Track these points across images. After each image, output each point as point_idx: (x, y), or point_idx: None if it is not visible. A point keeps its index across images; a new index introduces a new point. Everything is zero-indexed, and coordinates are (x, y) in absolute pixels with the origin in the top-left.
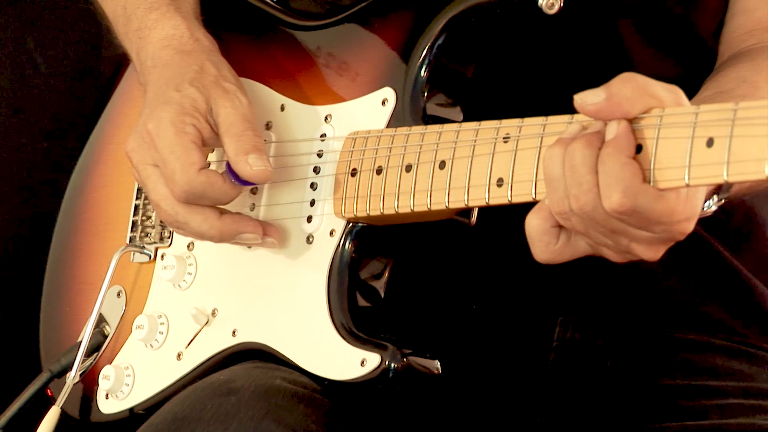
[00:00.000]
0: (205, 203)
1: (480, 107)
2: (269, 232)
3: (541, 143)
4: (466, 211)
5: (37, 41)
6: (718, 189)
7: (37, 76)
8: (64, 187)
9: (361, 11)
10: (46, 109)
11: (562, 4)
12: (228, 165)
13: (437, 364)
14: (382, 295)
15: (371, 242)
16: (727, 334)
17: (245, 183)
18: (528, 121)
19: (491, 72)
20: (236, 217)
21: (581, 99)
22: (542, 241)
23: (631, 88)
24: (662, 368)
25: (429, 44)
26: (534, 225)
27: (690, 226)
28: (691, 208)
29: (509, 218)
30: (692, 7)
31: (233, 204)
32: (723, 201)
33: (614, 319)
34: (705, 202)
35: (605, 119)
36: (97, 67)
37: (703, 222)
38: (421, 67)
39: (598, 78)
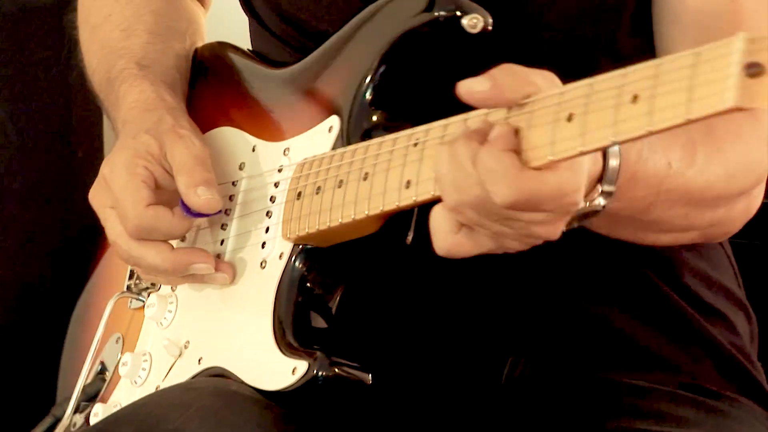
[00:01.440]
0: (158, 237)
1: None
2: (221, 268)
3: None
4: (404, 228)
5: (7, 111)
6: (600, 178)
7: (9, 144)
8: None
9: (319, 52)
10: (18, 175)
11: (486, 25)
12: (181, 200)
13: (369, 376)
14: (326, 314)
15: (317, 262)
16: (674, 373)
17: (197, 215)
18: (434, 124)
19: (433, 90)
20: (188, 249)
21: (468, 87)
22: (442, 230)
23: (513, 77)
24: (609, 411)
25: (370, 75)
26: (435, 215)
27: (577, 197)
28: (573, 179)
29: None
30: (607, 32)
31: (205, 238)
32: (610, 196)
33: (564, 360)
34: (592, 194)
35: (490, 107)
36: (68, 136)
37: (654, 266)
38: (364, 96)
39: None
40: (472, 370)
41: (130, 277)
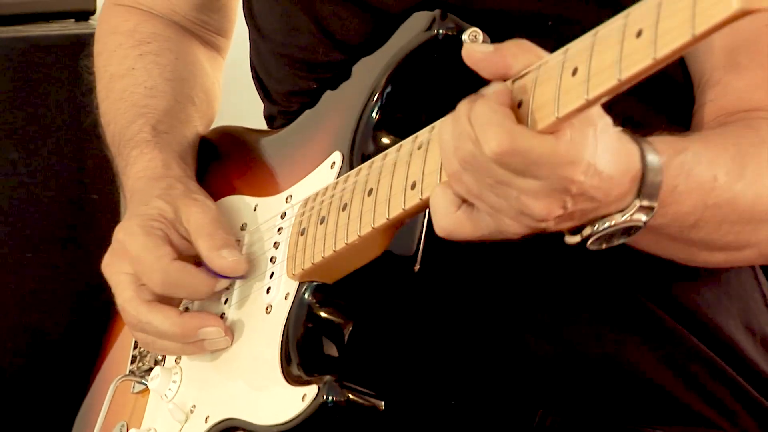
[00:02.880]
0: (182, 294)
1: None
2: (227, 333)
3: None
4: (411, 258)
5: (20, 152)
6: (640, 189)
7: (21, 186)
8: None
9: (316, 106)
10: (30, 219)
11: (486, 40)
12: (204, 264)
13: (381, 403)
14: (335, 350)
15: (324, 298)
16: (706, 427)
17: (221, 277)
18: (438, 122)
19: (441, 109)
20: (197, 313)
21: (470, 46)
22: (443, 207)
23: (518, 45)
24: None
25: (375, 97)
26: (437, 193)
27: (575, 172)
28: (574, 151)
29: (455, 267)
30: None
31: (212, 301)
32: (651, 212)
33: (595, 412)
34: (628, 208)
35: (489, 71)
36: (82, 178)
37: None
38: (369, 118)
39: None
40: (501, 423)
41: (132, 361)
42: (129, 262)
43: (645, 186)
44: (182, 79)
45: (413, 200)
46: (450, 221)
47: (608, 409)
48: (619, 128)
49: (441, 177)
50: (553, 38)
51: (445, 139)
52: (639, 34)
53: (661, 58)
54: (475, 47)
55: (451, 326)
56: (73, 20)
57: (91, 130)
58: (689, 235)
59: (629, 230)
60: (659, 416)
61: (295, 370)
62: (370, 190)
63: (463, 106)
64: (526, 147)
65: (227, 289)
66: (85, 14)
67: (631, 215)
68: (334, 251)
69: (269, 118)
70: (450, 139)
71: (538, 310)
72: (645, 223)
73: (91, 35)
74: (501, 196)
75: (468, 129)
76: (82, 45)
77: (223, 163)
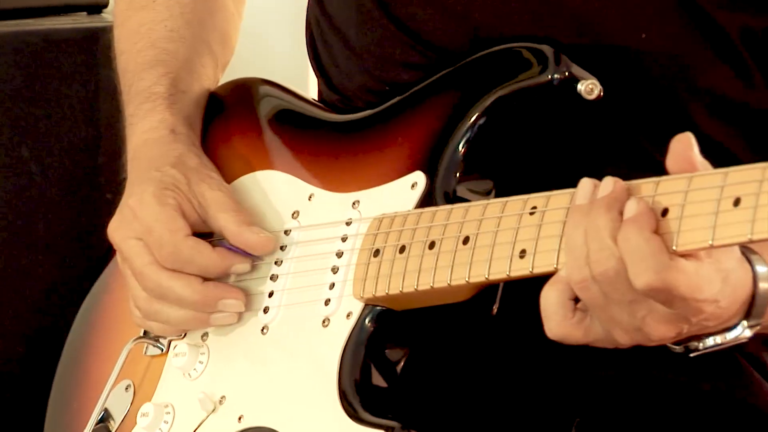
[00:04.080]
0: (192, 271)
1: (515, 190)
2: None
3: (567, 215)
4: (489, 299)
5: (32, 150)
6: (749, 312)
7: (32, 185)
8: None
9: (398, 101)
10: (42, 220)
11: (601, 93)
12: (220, 242)
13: None
14: (396, 381)
15: (388, 326)
16: None
17: (240, 253)
18: (556, 192)
19: (530, 154)
20: (219, 283)
21: (691, 142)
22: (558, 314)
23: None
24: None
25: (467, 127)
26: (551, 296)
27: (706, 306)
28: (710, 287)
29: (531, 312)
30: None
31: (250, 289)
32: (757, 327)
33: (632, 424)
34: (736, 326)
35: (680, 168)
36: (95, 177)
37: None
38: (457, 148)
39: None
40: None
41: None
42: (140, 230)
43: (755, 309)
44: (202, 22)
45: (522, 271)
46: (564, 329)
47: (645, 421)
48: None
49: (557, 260)
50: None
51: (578, 244)
52: None
53: None
54: (694, 145)
55: (512, 365)
56: (85, 13)
57: (105, 128)
58: None
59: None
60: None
61: (358, 407)
62: (467, 239)
63: (602, 218)
64: (674, 283)
65: (273, 280)
66: (97, 7)
67: (738, 336)
68: (416, 290)
69: (324, 102)
70: (583, 246)
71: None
72: (749, 338)
73: (104, 29)
74: (625, 312)
75: (613, 249)
76: (95, 39)
77: (260, 126)
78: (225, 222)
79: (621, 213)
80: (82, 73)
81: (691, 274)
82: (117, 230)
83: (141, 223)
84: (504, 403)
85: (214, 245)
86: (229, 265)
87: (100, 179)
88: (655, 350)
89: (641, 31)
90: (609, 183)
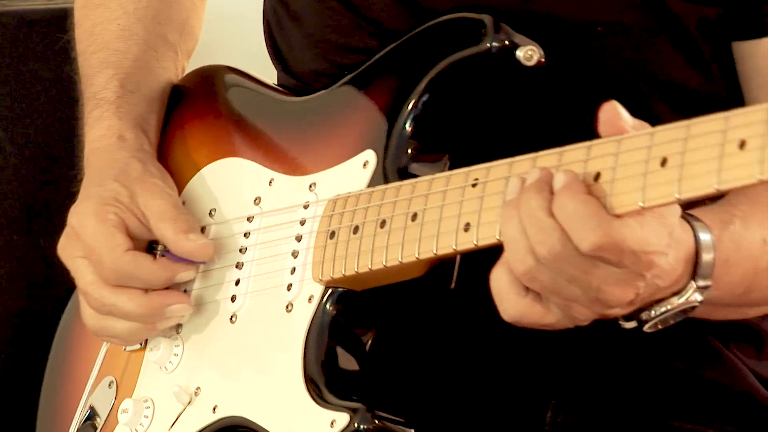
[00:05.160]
0: (134, 284)
1: (471, 164)
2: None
3: (507, 185)
4: (446, 274)
5: (6, 130)
6: (695, 271)
7: (7, 165)
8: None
9: (349, 81)
10: (17, 199)
11: (542, 59)
12: (166, 250)
13: (411, 431)
14: (360, 361)
15: (350, 307)
16: (723, 424)
17: (185, 261)
18: (495, 164)
19: (481, 125)
20: (162, 291)
21: (621, 109)
22: (511, 293)
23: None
24: None
25: (412, 103)
26: (501, 276)
27: (658, 259)
28: (657, 239)
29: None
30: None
31: (217, 279)
32: (707, 291)
33: (608, 405)
34: (686, 288)
35: (610, 132)
36: (70, 157)
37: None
38: (404, 127)
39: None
40: (514, 415)
41: None
42: (83, 249)
43: (700, 267)
44: (156, 15)
45: (467, 244)
46: (519, 309)
47: (621, 403)
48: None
49: (499, 232)
50: (600, 45)
51: (515, 235)
52: (742, 145)
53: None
54: (624, 112)
55: (476, 336)
56: None
57: (80, 108)
58: (742, 300)
59: (685, 310)
60: (673, 412)
61: (323, 389)
62: (415, 215)
63: (533, 199)
64: (620, 238)
65: (239, 268)
66: None
67: (688, 298)
68: (370, 269)
69: (286, 89)
70: (522, 236)
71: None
72: (701, 302)
73: None
74: (578, 287)
75: (552, 224)
76: (69, 19)
77: (222, 114)
78: (163, 231)
79: (552, 193)
80: (57, 53)
81: (636, 228)
82: (64, 249)
83: (83, 242)
84: (473, 382)
85: (159, 255)
86: (172, 275)
87: (74, 160)
88: (629, 332)
89: (599, 24)
90: (535, 171)
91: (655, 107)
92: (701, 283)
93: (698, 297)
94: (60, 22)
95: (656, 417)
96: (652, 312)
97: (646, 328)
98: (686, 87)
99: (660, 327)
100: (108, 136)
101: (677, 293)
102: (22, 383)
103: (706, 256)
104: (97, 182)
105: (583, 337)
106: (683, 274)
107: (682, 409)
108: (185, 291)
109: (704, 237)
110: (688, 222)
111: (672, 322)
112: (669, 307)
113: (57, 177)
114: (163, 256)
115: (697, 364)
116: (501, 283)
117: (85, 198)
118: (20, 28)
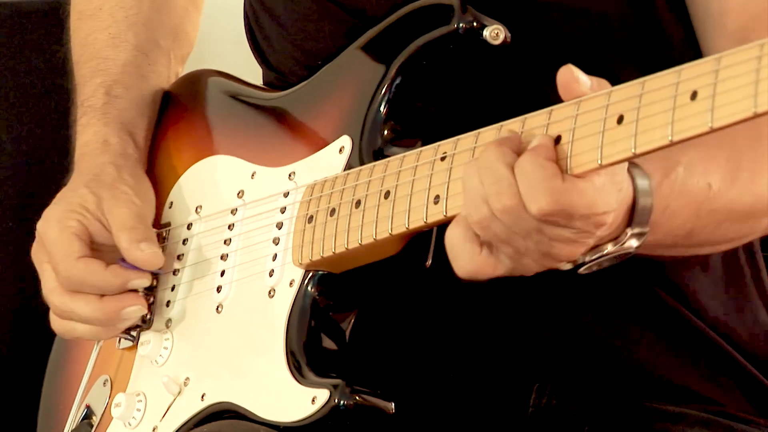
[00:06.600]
0: (89, 290)
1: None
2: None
3: (473, 156)
4: (422, 251)
5: (3, 119)
6: (630, 219)
7: (3, 154)
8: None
9: (324, 71)
10: (12, 188)
11: (507, 38)
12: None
13: (391, 405)
14: (341, 342)
15: (330, 289)
16: (704, 404)
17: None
18: (462, 136)
19: (452, 106)
20: (116, 296)
21: (578, 72)
22: (466, 250)
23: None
24: None
25: (384, 88)
26: (456, 233)
27: (607, 219)
28: (606, 199)
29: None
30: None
31: (201, 270)
32: (643, 237)
33: (591, 387)
34: (622, 235)
35: (570, 97)
36: (66, 147)
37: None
38: (377, 111)
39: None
40: (498, 398)
41: None
42: (47, 255)
43: (636, 214)
44: (147, 21)
45: (437, 216)
46: (474, 266)
47: (604, 385)
48: None
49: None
50: (577, 29)
51: (474, 185)
52: (694, 96)
53: (718, 128)
54: (581, 75)
55: (457, 318)
56: None
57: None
58: (686, 242)
59: (621, 255)
60: (651, 394)
61: (304, 368)
62: (387, 193)
63: (494, 152)
64: (569, 204)
65: (223, 260)
66: None
67: (623, 244)
68: (347, 249)
69: (268, 84)
70: (480, 186)
71: (546, 303)
72: (636, 248)
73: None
74: (530, 241)
75: (510, 181)
76: (63, 11)
77: (204, 117)
78: (119, 240)
79: (513, 150)
80: (51, 44)
81: (587, 191)
82: (35, 254)
83: (46, 249)
84: (455, 363)
85: (116, 263)
86: (125, 281)
87: (70, 149)
88: (615, 316)
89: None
90: (501, 134)
91: (621, 75)
92: (637, 230)
93: (633, 243)
94: (54, 13)
95: (639, 397)
96: (587, 258)
97: (580, 271)
98: (651, 54)
99: (595, 269)
100: (93, 141)
101: (614, 239)
102: (22, 379)
103: (643, 201)
104: (71, 187)
105: (566, 319)
106: (622, 222)
107: (664, 390)
108: (173, 286)
109: (642, 183)
110: (629, 170)
111: (607, 265)
112: (604, 252)
113: (53, 166)
114: (118, 263)
115: (679, 343)
116: (456, 240)
117: (56, 202)
118: (15, 19)
